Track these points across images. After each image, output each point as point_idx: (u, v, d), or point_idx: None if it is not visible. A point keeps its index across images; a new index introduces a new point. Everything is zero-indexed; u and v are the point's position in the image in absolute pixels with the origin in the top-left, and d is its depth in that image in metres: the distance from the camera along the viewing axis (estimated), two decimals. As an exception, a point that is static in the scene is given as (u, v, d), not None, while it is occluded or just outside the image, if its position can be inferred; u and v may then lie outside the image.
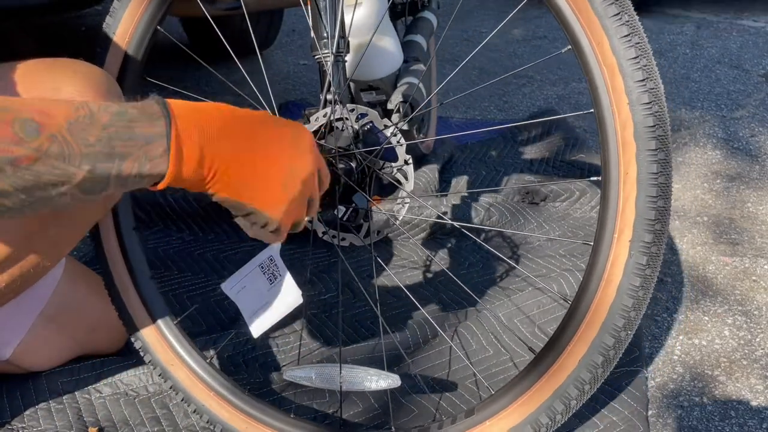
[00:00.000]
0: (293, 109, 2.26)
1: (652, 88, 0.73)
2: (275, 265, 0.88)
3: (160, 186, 0.60)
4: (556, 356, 0.81)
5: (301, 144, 0.69)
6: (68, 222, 0.79)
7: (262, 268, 0.88)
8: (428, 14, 1.49)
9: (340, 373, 0.88)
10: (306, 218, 0.74)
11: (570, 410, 0.82)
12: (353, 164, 0.86)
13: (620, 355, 0.81)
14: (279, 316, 0.88)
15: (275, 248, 0.88)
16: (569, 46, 0.77)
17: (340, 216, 0.89)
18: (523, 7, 4.06)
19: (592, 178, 0.85)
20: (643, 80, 0.73)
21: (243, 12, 1.81)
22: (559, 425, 0.84)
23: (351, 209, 0.89)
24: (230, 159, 0.62)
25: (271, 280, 0.88)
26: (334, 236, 0.92)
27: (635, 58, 0.73)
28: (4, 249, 0.73)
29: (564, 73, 2.74)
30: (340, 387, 0.89)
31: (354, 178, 0.87)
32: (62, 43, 3.06)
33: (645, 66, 0.73)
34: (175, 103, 0.60)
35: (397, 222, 0.90)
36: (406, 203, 0.89)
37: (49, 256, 0.79)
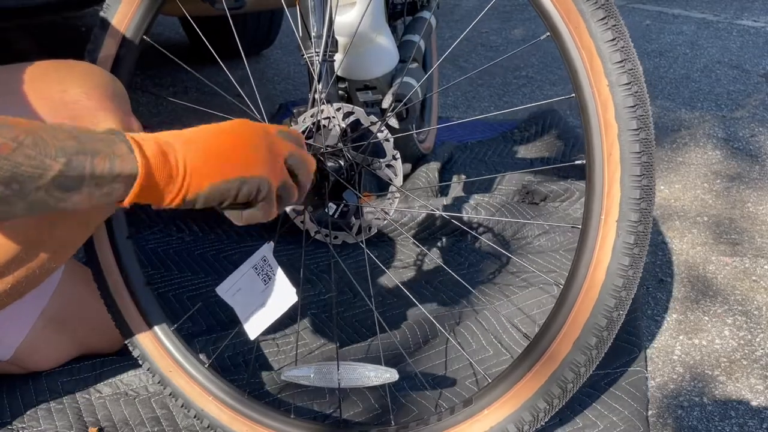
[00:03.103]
0: (293, 110, 2.26)
1: (631, 69, 0.74)
2: (269, 265, 0.88)
3: (136, 187, 0.61)
4: (550, 340, 0.82)
5: (244, 123, 0.70)
6: (74, 223, 0.79)
7: (256, 269, 0.88)
8: (427, 14, 1.49)
9: (338, 370, 0.88)
10: (298, 197, 0.75)
11: (567, 394, 0.83)
12: (341, 162, 0.87)
13: (613, 336, 0.81)
14: (275, 317, 0.88)
15: (268, 248, 0.88)
16: (548, 33, 0.79)
17: (330, 213, 0.88)
18: (523, 7, 4.06)
19: (576, 162, 0.85)
20: (622, 61, 0.74)
21: (244, 12, 1.81)
22: (557, 409, 0.84)
23: (341, 206, 0.88)
24: (191, 146, 0.64)
25: (265, 281, 0.87)
26: (326, 235, 0.92)
27: (612, 40, 0.74)
28: (11, 251, 0.73)
29: (564, 73, 2.74)
30: (339, 384, 0.89)
31: (343, 175, 0.87)
32: (62, 43, 3.06)
33: (623, 48, 0.74)
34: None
35: (388, 217, 0.90)
36: (396, 198, 0.90)
37: (55, 258, 0.80)
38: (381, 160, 0.87)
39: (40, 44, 2.90)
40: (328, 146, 0.86)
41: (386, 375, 0.88)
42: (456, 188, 1.61)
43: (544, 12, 0.77)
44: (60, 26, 3.28)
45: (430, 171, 1.65)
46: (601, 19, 0.74)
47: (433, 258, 1.41)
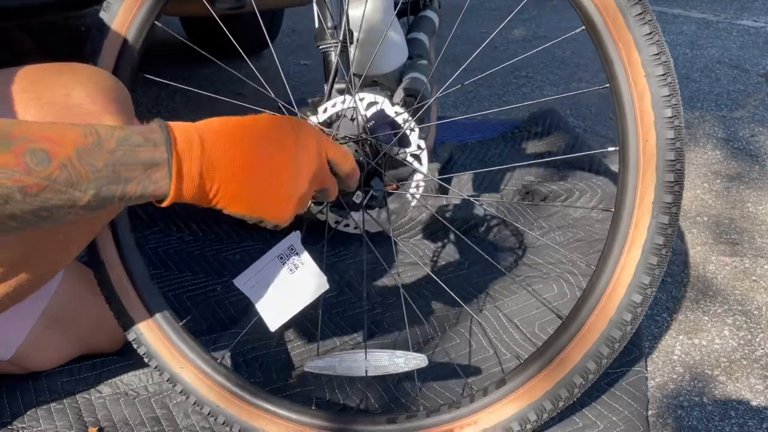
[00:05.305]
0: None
1: (666, 62, 0.80)
2: (296, 253, 0.86)
3: (164, 204, 0.63)
4: (587, 314, 0.86)
5: (304, 143, 0.71)
6: (78, 226, 0.79)
7: (281, 258, 0.86)
8: (430, 13, 1.49)
9: (366, 358, 0.88)
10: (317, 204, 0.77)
11: (602, 368, 0.87)
12: (368, 150, 0.86)
13: (645, 311, 0.86)
14: (302, 305, 0.87)
15: (295, 237, 0.87)
16: (583, 27, 0.83)
17: (359, 201, 0.88)
18: (523, 7, 4.06)
19: (609, 149, 0.91)
20: (658, 54, 0.80)
21: (244, 12, 1.81)
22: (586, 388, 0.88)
23: (370, 194, 0.87)
24: (231, 178, 0.65)
25: (291, 270, 0.86)
26: (347, 225, 0.91)
27: (649, 34, 0.79)
28: (16, 253, 0.73)
29: (564, 73, 2.74)
30: (366, 373, 0.88)
31: (369, 164, 0.87)
32: (62, 43, 3.05)
33: (658, 41, 0.80)
34: (177, 127, 0.63)
35: (412, 204, 0.91)
36: (421, 186, 0.90)
37: (58, 261, 0.80)
38: (407, 149, 0.88)
39: (40, 44, 2.90)
40: (357, 135, 0.86)
41: (416, 361, 0.88)
42: (455, 188, 1.61)
43: (582, 7, 0.81)
44: (60, 26, 3.28)
45: (430, 171, 1.65)
46: (639, 14, 0.79)
47: (433, 257, 1.41)
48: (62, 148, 0.55)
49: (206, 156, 0.63)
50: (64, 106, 0.74)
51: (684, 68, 2.73)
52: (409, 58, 1.31)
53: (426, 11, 1.49)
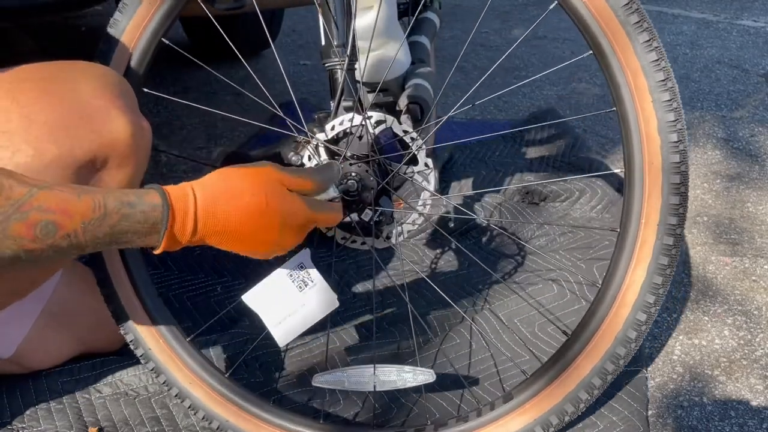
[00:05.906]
0: (293, 109, 2.26)
1: (671, 87, 0.81)
2: (306, 271, 0.87)
3: (154, 252, 0.69)
4: (593, 331, 0.88)
5: (291, 225, 0.75)
6: None
7: (291, 276, 0.87)
8: (431, 14, 1.49)
9: (374, 373, 0.88)
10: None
11: (606, 384, 0.89)
12: (374, 169, 0.87)
13: (648, 330, 0.87)
14: (310, 323, 0.87)
15: (305, 255, 0.87)
16: (590, 51, 0.83)
17: (368, 220, 0.89)
18: (523, 7, 4.06)
19: (616, 171, 0.89)
20: (664, 80, 0.80)
21: (244, 12, 1.81)
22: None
23: (379, 212, 0.89)
24: (215, 243, 0.72)
25: (300, 288, 0.87)
26: (354, 242, 0.92)
27: (656, 60, 0.80)
28: None
29: (564, 74, 2.74)
30: (375, 388, 0.89)
31: (376, 182, 0.88)
32: (62, 43, 3.06)
33: (664, 68, 0.80)
34: (177, 203, 0.68)
35: (419, 220, 0.92)
36: (428, 204, 0.91)
37: (57, 262, 0.80)
38: (415, 168, 0.88)
39: (40, 44, 2.90)
40: (367, 155, 0.87)
41: (424, 376, 0.89)
42: (458, 189, 1.61)
43: (591, 33, 0.82)
44: (60, 26, 3.28)
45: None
46: (647, 41, 0.80)
47: (433, 258, 1.41)
48: (70, 220, 0.61)
49: (198, 235, 0.70)
50: (72, 102, 0.75)
51: (684, 68, 2.73)
52: (412, 63, 1.31)
53: (426, 12, 1.49)
